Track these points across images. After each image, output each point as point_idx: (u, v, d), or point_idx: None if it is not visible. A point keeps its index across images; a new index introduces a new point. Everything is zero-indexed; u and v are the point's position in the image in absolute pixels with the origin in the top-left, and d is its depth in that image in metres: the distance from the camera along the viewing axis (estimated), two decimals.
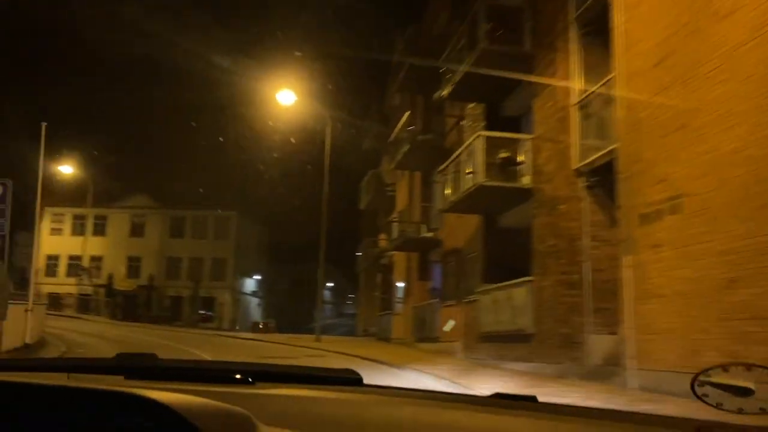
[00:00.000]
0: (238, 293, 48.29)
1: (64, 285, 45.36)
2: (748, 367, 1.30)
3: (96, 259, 47.27)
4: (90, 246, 47.30)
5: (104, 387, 1.16)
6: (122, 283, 45.14)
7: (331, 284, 57.82)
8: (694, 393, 1.32)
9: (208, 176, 67.18)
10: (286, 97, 22.47)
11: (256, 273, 51.08)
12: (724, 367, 1.33)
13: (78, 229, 47.84)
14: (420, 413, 1.30)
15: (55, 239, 46.10)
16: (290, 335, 26.59)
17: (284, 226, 53.50)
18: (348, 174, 33.38)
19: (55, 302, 38.52)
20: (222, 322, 43.58)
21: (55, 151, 28.63)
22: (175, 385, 1.36)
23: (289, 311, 50.04)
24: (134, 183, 49.17)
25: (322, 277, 24.71)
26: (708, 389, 1.30)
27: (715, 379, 1.31)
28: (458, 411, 1.32)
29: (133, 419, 0.97)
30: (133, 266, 47.16)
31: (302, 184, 52.18)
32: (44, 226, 39.12)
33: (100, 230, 48.09)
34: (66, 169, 35.13)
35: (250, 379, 1.50)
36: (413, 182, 22.58)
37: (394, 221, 23.05)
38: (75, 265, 46.97)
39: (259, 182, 60.21)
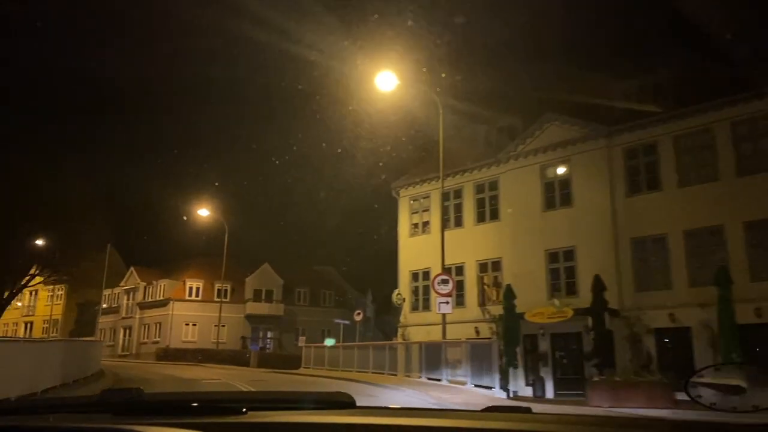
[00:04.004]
0: None
1: None
2: (740, 366, 1.22)
3: None
4: None
5: (91, 425, 1.15)
6: None
7: None
8: (688, 394, 1.33)
9: None
10: None
11: None
12: (716, 367, 1.39)
13: None
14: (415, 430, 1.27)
15: None
16: None
17: None
18: None
19: None
20: None
21: None
22: (164, 419, 1.31)
23: None
24: None
25: None
26: (701, 390, 1.33)
27: (707, 380, 1.33)
28: (453, 424, 1.31)
29: None
30: None
31: None
32: None
33: None
34: None
35: (243, 409, 1.44)
36: None
37: None
38: None
39: None
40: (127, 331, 50.56)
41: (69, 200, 51.22)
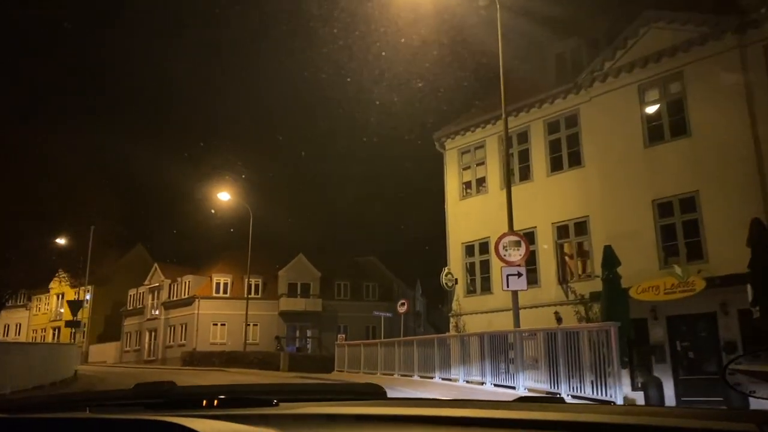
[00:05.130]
0: None
1: None
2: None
3: None
4: None
5: (128, 416, 1.20)
6: None
7: None
8: (726, 381, 1.33)
9: None
10: None
11: None
12: (755, 354, 1.37)
13: None
14: (449, 422, 1.27)
15: None
16: None
17: None
18: None
19: None
20: None
21: None
22: (198, 411, 1.40)
23: None
24: None
25: None
26: (739, 377, 1.32)
27: (745, 367, 1.33)
28: (485, 415, 1.31)
29: None
30: None
31: None
32: None
33: None
34: None
35: (274, 401, 1.49)
36: None
37: None
38: None
39: None
40: (152, 334, 46.08)
41: (90, 195, 47.42)
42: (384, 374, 21.12)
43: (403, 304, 28.41)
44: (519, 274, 13.35)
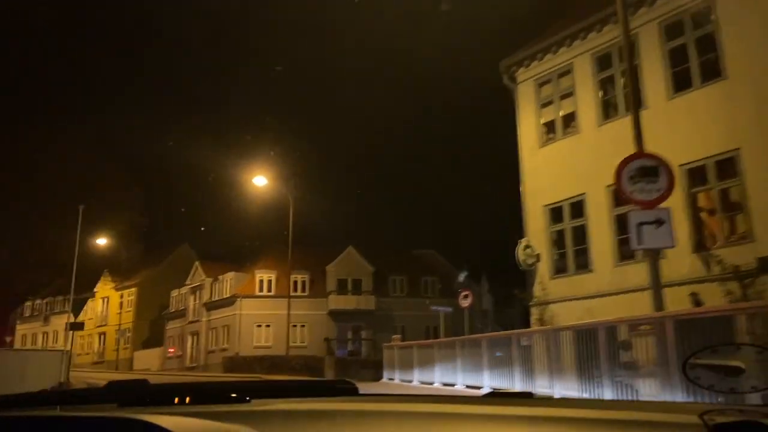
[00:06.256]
0: None
1: None
2: (737, 346, 1.35)
3: None
4: None
5: (99, 414, 1.22)
6: None
7: None
8: (686, 376, 1.35)
9: None
10: None
11: None
12: (713, 349, 1.35)
13: None
14: (418, 417, 1.29)
15: None
16: None
17: None
18: None
19: None
20: None
21: None
22: (170, 409, 1.39)
23: None
24: None
25: None
26: (699, 371, 1.33)
27: (705, 361, 1.33)
28: (455, 410, 1.33)
29: None
30: None
31: None
32: None
33: None
34: None
35: (247, 397, 1.47)
36: None
37: None
38: None
39: None
40: (194, 338, 42.39)
41: (127, 193, 44.55)
42: (444, 384, 15.96)
43: (466, 295, 23.09)
44: (659, 222, 7.89)
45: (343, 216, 63.87)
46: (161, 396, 1.56)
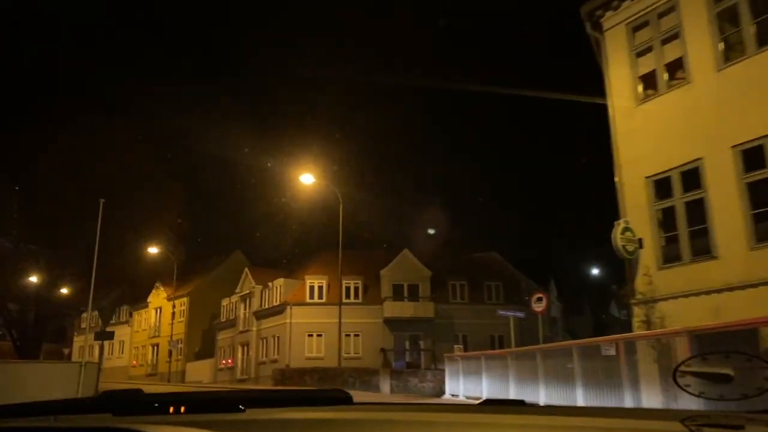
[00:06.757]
0: None
1: None
2: (727, 354, 1.35)
3: None
4: None
5: (93, 424, 1.28)
6: None
7: None
8: (676, 383, 1.36)
9: None
10: None
11: None
12: (703, 356, 1.37)
13: None
14: (413, 426, 1.29)
15: None
16: None
17: None
18: None
19: None
20: None
21: None
22: (164, 418, 1.39)
23: None
24: None
25: None
26: (689, 379, 1.35)
27: (695, 369, 1.35)
28: (449, 419, 1.33)
29: None
30: None
31: None
32: None
33: None
34: None
35: (240, 407, 1.47)
36: None
37: None
38: None
39: None
40: (245, 349, 40.51)
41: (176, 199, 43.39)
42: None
43: (540, 298, 20.00)
44: None
45: (396, 217, 61.00)
46: (155, 406, 1.53)
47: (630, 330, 11.97)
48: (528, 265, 43.43)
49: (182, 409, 1.49)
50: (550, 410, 1.48)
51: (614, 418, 1.30)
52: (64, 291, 53.63)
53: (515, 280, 39.49)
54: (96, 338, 24.44)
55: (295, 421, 1.36)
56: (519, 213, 65.17)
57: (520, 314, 21.45)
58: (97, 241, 17.88)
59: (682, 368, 1.36)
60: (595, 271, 51.87)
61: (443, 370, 27.87)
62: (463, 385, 17.42)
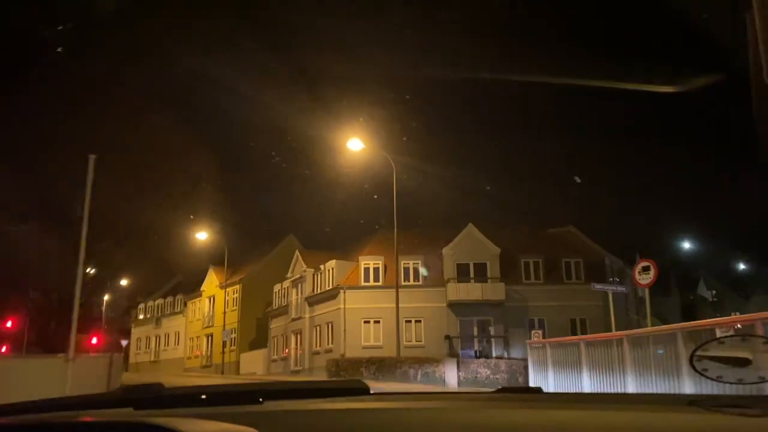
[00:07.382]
0: None
1: None
2: (744, 337, 1.32)
3: None
4: None
5: (115, 419, 1.27)
6: None
7: None
8: (694, 368, 1.33)
9: None
10: None
11: None
12: (720, 341, 1.34)
13: None
14: (429, 414, 1.31)
15: None
16: None
17: None
18: None
19: None
20: None
21: None
22: (183, 411, 1.41)
23: None
24: None
25: None
26: (707, 363, 1.32)
27: (712, 353, 1.32)
28: (465, 407, 1.36)
29: None
30: None
31: None
32: None
33: None
34: None
35: (259, 399, 1.49)
36: None
37: None
38: None
39: None
40: (298, 337, 37.47)
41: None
42: None
43: (647, 268, 15.62)
44: None
45: (460, 191, 55.94)
46: (175, 400, 1.57)
47: (720, 313, 7.73)
48: (609, 241, 38.34)
49: (201, 402, 1.52)
50: (567, 397, 1.49)
51: (620, 403, 1.29)
52: (123, 283, 52.73)
53: (598, 256, 34.66)
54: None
55: (313, 412, 1.38)
56: (596, 186, 59.15)
57: (622, 288, 17.03)
58: (87, 197, 15.01)
59: (699, 353, 1.32)
60: (685, 247, 46.08)
61: (518, 360, 23.80)
62: (553, 379, 13.33)
